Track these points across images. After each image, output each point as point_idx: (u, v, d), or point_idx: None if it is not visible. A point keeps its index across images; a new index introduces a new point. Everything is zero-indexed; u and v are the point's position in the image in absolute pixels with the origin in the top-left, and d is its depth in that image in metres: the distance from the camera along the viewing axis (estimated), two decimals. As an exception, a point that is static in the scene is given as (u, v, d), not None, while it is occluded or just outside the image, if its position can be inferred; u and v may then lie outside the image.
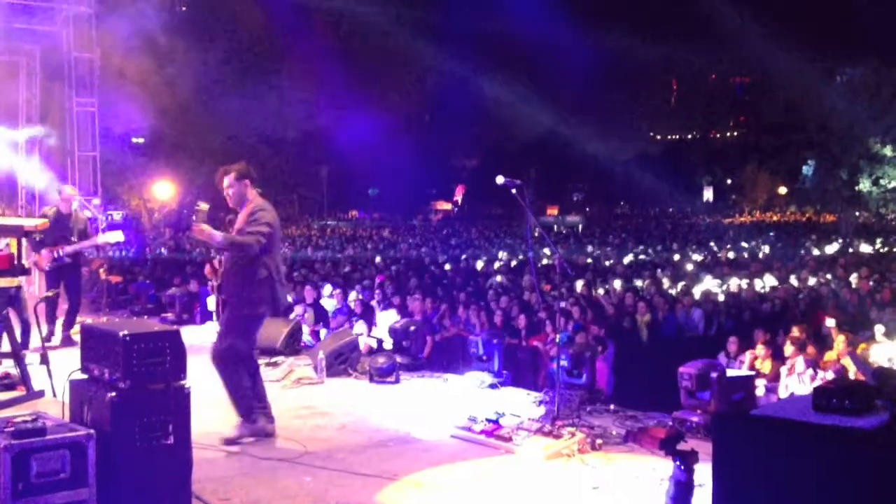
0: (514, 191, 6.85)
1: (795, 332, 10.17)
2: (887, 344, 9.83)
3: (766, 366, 9.80)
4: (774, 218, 56.85)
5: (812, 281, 16.79)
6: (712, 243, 29.69)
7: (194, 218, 6.30)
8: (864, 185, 34.85)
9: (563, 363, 7.78)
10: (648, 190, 54.78)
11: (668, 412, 7.04)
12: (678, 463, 4.35)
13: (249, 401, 6.35)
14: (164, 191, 35.43)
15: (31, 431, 4.28)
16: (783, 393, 9.32)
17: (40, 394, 7.21)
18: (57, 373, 7.01)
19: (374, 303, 13.69)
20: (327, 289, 14.38)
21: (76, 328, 9.65)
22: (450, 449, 6.30)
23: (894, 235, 31.39)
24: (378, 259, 23.41)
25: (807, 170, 45.49)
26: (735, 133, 74.01)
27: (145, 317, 13.35)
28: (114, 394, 4.55)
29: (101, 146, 15.85)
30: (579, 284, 15.14)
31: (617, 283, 16.42)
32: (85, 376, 4.92)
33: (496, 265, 21.06)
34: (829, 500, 3.04)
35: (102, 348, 4.78)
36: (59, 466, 4.27)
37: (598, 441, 6.23)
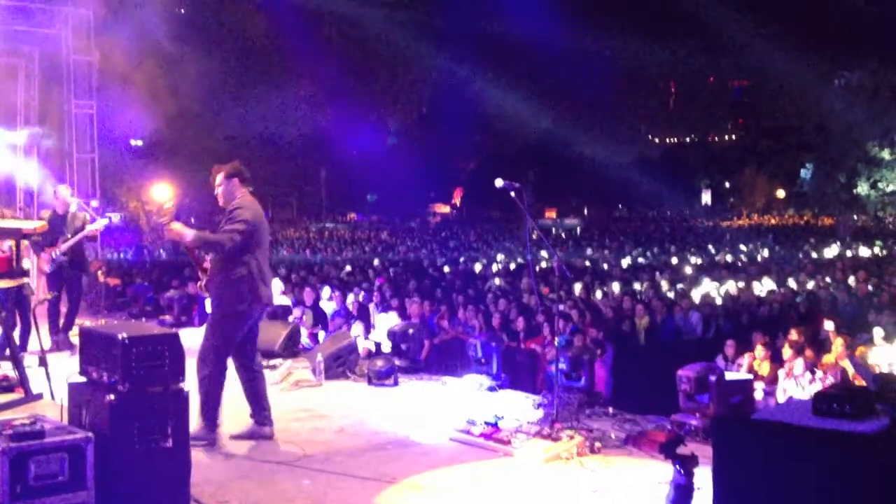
0: (513, 194, 6.85)
1: (794, 335, 10.17)
2: (886, 347, 9.83)
3: (764, 369, 9.79)
4: (773, 221, 56.89)
5: (810, 284, 16.79)
6: (710, 246, 29.70)
7: (162, 218, 6.22)
8: (863, 188, 34.90)
9: (562, 366, 7.78)
10: (647, 193, 54.84)
11: (666, 415, 7.03)
12: (678, 467, 4.35)
13: (215, 410, 6.24)
14: (162, 192, 35.47)
15: (29, 434, 4.28)
16: (781, 396, 9.31)
17: (38, 396, 7.18)
18: (55, 375, 7.00)
19: (372, 305, 13.68)
20: (326, 291, 14.37)
21: (74, 331, 9.63)
22: (448, 452, 6.29)
23: (892, 239, 31.42)
24: (376, 261, 23.41)
25: (805, 173, 45.56)
26: (733, 136, 74.06)
27: (144, 319, 13.34)
28: (112, 397, 4.54)
29: (100, 148, 15.84)
30: (577, 287, 15.14)
31: (615, 287, 16.42)
32: (83, 379, 4.92)
33: (494, 268, 21.06)
34: (829, 504, 3.04)
35: (101, 351, 4.77)
36: (58, 469, 4.27)
37: (597, 444, 6.23)
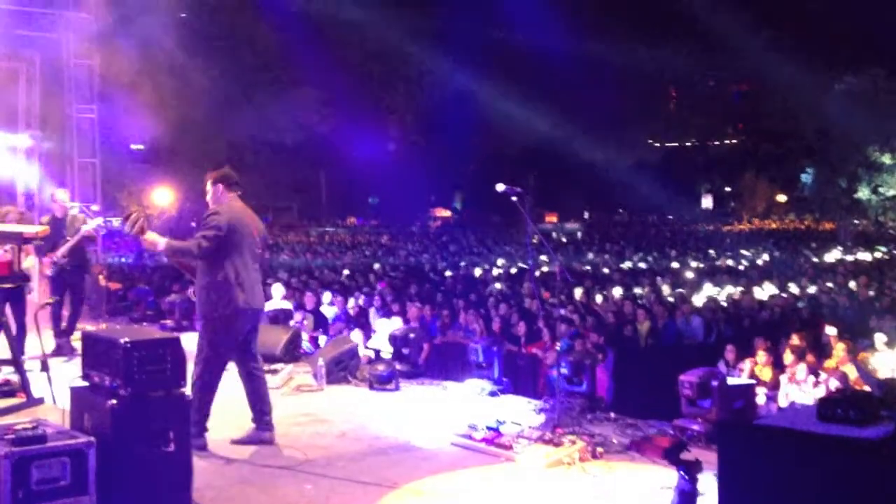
0: (514, 198, 6.85)
1: (795, 339, 10.16)
2: (888, 353, 9.82)
3: (766, 374, 9.79)
4: (773, 226, 56.86)
5: (812, 289, 16.79)
6: (711, 251, 29.70)
7: (133, 229, 6.17)
8: (864, 193, 34.87)
9: (564, 371, 7.78)
10: (647, 197, 54.79)
11: (668, 420, 7.03)
12: (682, 472, 4.34)
13: (203, 415, 6.18)
14: (163, 197, 35.49)
15: (31, 439, 4.27)
16: (783, 401, 9.31)
17: (40, 401, 7.17)
18: (57, 380, 6.99)
19: (372, 310, 13.68)
20: (327, 296, 14.37)
21: (76, 335, 9.63)
22: (450, 457, 6.28)
23: (894, 243, 31.40)
24: (377, 266, 23.41)
25: (806, 178, 45.54)
26: (734, 140, 74.05)
27: (145, 323, 13.32)
28: (114, 401, 4.54)
29: (101, 153, 15.83)
30: (578, 292, 15.14)
31: (617, 291, 16.42)
32: (85, 383, 4.91)
33: (495, 272, 21.05)
34: (833, 510, 3.04)
35: (103, 355, 4.77)
36: (60, 474, 4.26)
37: (599, 449, 6.22)
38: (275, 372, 9.24)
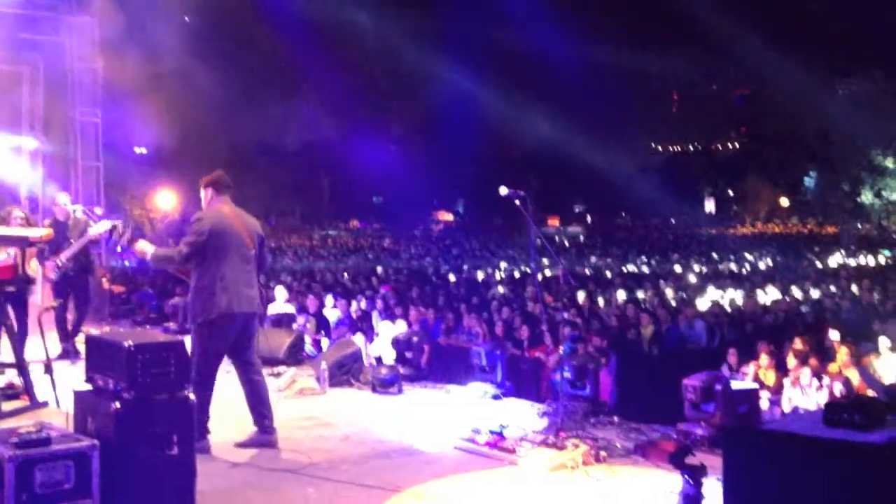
0: (517, 202, 6.84)
1: (798, 343, 10.15)
2: (892, 357, 9.80)
3: (769, 378, 9.78)
4: (776, 229, 56.79)
5: (815, 293, 16.77)
6: (714, 254, 29.68)
7: (121, 240, 6.19)
8: (867, 196, 34.85)
9: (567, 374, 7.77)
10: (650, 201, 54.75)
11: (671, 424, 7.01)
12: (687, 477, 4.33)
13: (202, 419, 6.14)
14: (166, 200, 35.57)
15: (35, 442, 4.27)
16: (786, 405, 9.30)
17: (44, 404, 7.19)
18: (61, 383, 6.99)
19: (375, 313, 13.68)
20: (329, 300, 14.37)
21: (80, 338, 9.63)
22: (453, 460, 6.27)
23: (896, 247, 31.35)
24: (380, 269, 23.42)
25: (809, 181, 45.51)
26: (736, 144, 74.03)
27: (148, 326, 13.32)
28: (118, 404, 4.53)
29: (104, 156, 15.84)
30: (581, 296, 15.13)
31: (620, 295, 16.41)
32: (89, 386, 4.91)
33: (498, 276, 21.06)
34: (839, 515, 3.03)
35: (107, 359, 4.77)
36: (63, 477, 4.26)
37: (602, 453, 6.20)
38: (278, 375, 9.24)
